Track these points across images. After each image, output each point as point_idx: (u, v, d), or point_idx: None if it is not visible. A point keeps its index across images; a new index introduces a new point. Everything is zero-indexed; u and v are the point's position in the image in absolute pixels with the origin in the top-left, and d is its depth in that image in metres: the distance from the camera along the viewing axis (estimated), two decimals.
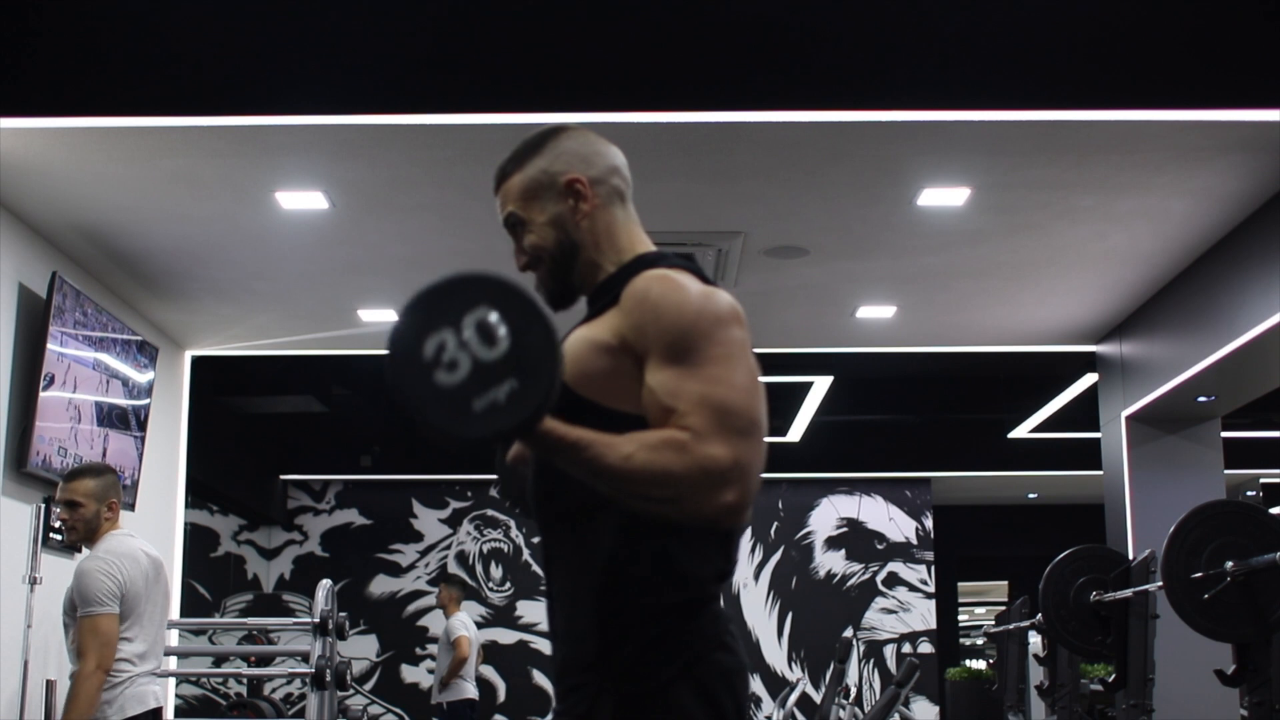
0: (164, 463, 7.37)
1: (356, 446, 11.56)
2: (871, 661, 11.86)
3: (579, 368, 1.72)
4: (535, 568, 11.46)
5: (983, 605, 17.07)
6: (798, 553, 12.01)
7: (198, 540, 10.70)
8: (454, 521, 11.97)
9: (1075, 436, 10.55)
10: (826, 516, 12.08)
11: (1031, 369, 8.56)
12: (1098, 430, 7.84)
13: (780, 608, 11.89)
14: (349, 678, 6.35)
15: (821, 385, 9.76)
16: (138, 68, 4.64)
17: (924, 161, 5.13)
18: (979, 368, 8.55)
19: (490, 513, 11.99)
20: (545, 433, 1.58)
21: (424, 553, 11.92)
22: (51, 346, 5.61)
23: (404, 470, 11.74)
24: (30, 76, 4.62)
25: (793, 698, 8.57)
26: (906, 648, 11.81)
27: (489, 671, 11.33)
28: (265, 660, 10.01)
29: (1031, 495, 13.41)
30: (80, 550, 4.31)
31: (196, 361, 7.87)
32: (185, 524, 8.08)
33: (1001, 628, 9.13)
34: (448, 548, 11.93)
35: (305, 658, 6.40)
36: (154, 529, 7.24)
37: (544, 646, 11.64)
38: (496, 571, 11.86)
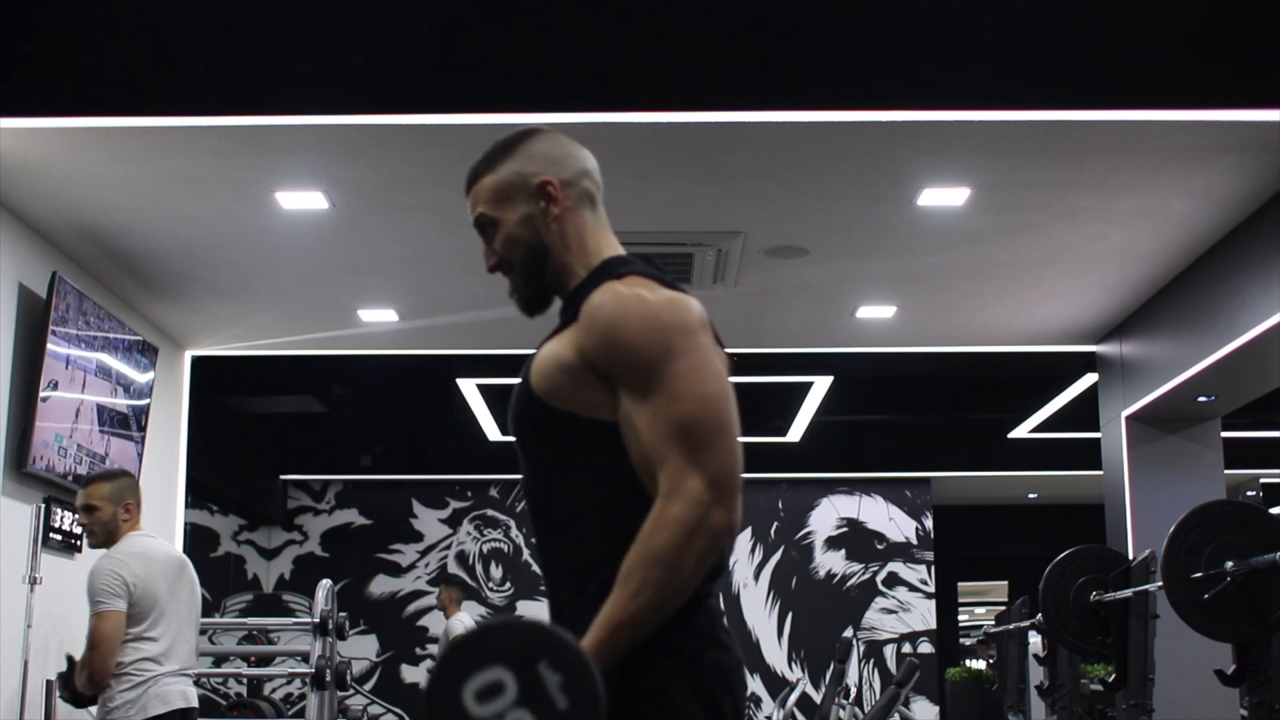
0: (164, 463, 7.37)
1: (356, 446, 11.56)
2: (871, 661, 11.86)
3: (548, 384, 1.76)
4: (535, 568, 11.46)
5: (983, 605, 17.08)
6: (798, 553, 12.00)
7: (198, 540, 10.70)
8: (454, 521, 11.97)
9: (1075, 436, 10.55)
10: (826, 516, 12.08)
11: (1031, 369, 8.56)
12: (1098, 430, 7.84)
13: (780, 608, 11.89)
14: (349, 678, 6.36)
15: (821, 385, 9.76)
16: (138, 68, 4.64)
17: (924, 161, 5.13)
18: (979, 368, 8.54)
19: (490, 513, 11.99)
20: (600, 659, 1.60)
21: (424, 553, 11.92)
22: (51, 347, 5.61)
23: (404, 470, 11.74)
24: (30, 76, 4.62)
25: (793, 698, 8.57)
26: (906, 648, 11.81)
27: None
28: (265, 660, 10.01)
29: (1031, 495, 13.41)
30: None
31: (196, 361, 7.87)
32: (185, 524, 8.08)
33: (1001, 628, 9.13)
34: (448, 548, 11.93)
35: (305, 658, 6.40)
36: (154, 529, 7.21)
37: None
38: (496, 571, 11.87)
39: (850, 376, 9.47)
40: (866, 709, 10.87)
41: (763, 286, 6.64)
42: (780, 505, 12.02)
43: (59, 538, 5.86)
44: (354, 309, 7.12)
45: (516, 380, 1.85)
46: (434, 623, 11.38)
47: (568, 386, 1.75)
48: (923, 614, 11.96)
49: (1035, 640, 8.20)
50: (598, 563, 1.72)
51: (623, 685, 1.67)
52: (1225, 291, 5.97)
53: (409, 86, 4.70)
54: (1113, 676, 5.67)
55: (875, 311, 7.16)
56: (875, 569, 12.00)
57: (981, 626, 15.46)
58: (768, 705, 11.22)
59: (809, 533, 12.06)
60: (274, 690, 10.81)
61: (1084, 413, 9.01)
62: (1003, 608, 12.41)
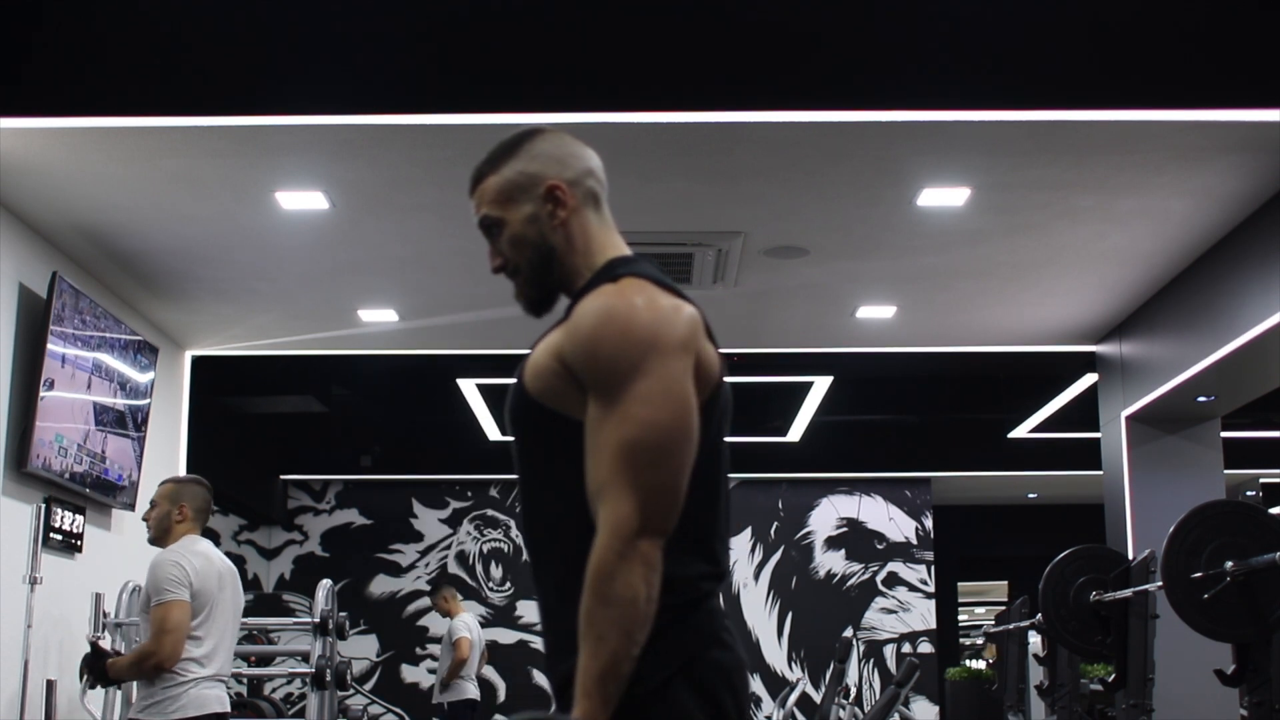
0: (164, 463, 7.36)
1: (356, 446, 11.56)
2: (871, 661, 11.86)
3: (540, 384, 1.76)
4: None
5: (983, 605, 17.08)
6: (798, 553, 12.00)
7: None
8: (454, 521, 11.97)
9: (1075, 436, 10.54)
10: (826, 516, 12.08)
11: (1031, 369, 8.56)
12: (1098, 430, 7.84)
13: (780, 608, 11.89)
14: (349, 678, 6.35)
15: (821, 385, 9.75)
16: (138, 68, 4.64)
17: (924, 161, 5.13)
18: (979, 368, 8.54)
19: (490, 513, 11.99)
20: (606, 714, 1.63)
21: (424, 553, 11.92)
22: (52, 346, 5.61)
23: (404, 470, 11.74)
24: (30, 76, 4.62)
25: (793, 698, 8.57)
26: (906, 648, 11.81)
27: (489, 671, 11.33)
28: (265, 660, 10.00)
29: (1031, 495, 13.41)
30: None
31: (196, 361, 7.87)
32: None
33: (1001, 628, 9.13)
34: (448, 548, 11.93)
35: (305, 658, 6.39)
36: None
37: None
38: (496, 571, 11.87)
39: (850, 376, 9.47)
40: (866, 709, 10.87)
41: (763, 286, 6.64)
42: (780, 505, 12.02)
43: (59, 538, 5.86)
44: (354, 309, 7.12)
45: (512, 379, 1.84)
46: (434, 622, 11.38)
47: (555, 388, 1.74)
48: (923, 614, 11.96)
49: (1035, 640, 8.20)
50: (585, 563, 1.71)
51: (626, 685, 1.67)
52: (1225, 291, 5.97)
53: (409, 86, 4.70)
54: (1113, 676, 5.67)
55: (875, 311, 7.16)
56: (875, 569, 12.00)
57: (981, 626, 15.47)
58: (768, 705, 11.22)
59: (809, 533, 12.06)
60: (274, 690, 10.80)
61: (1084, 413, 9.01)
62: (1003, 608, 12.41)
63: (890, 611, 11.94)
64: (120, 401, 6.44)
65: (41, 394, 5.54)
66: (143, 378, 6.72)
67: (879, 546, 12.05)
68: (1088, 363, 7.96)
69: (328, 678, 6.11)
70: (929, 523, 12.08)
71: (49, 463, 5.64)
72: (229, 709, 4.14)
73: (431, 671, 9.98)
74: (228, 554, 11.99)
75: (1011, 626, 8.60)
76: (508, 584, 11.84)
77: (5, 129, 4.68)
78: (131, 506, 6.66)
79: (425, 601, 11.66)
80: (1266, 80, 4.60)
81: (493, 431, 10.75)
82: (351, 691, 11.25)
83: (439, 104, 4.66)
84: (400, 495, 11.93)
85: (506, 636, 11.69)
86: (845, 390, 9.88)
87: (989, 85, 4.65)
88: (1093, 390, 8.14)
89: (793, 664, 11.78)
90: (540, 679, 11.60)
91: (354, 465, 11.66)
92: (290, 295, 6.83)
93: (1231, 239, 5.88)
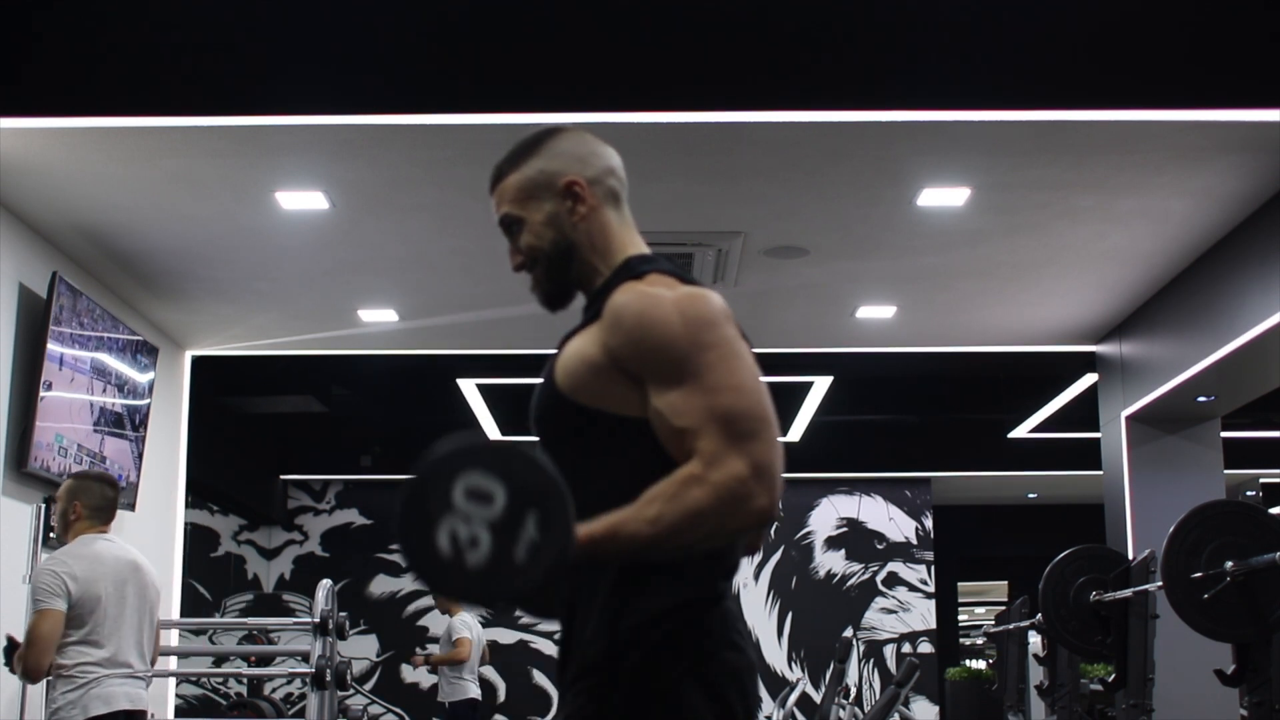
0: (164, 463, 7.37)
1: (356, 446, 11.56)
2: (871, 661, 11.86)
3: (573, 381, 1.75)
4: None
5: (983, 605, 17.08)
6: (798, 553, 12.01)
7: (198, 540, 10.70)
8: None
9: (1075, 436, 10.55)
10: (826, 516, 12.08)
11: (1031, 369, 8.56)
12: (1098, 430, 7.84)
13: (780, 608, 11.89)
14: (349, 678, 6.35)
15: (821, 385, 9.75)
16: (138, 68, 4.64)
17: (924, 161, 5.13)
18: (979, 368, 8.54)
19: None
20: (582, 544, 1.60)
21: None
22: (51, 346, 5.61)
23: (404, 470, 11.61)
24: (30, 76, 4.62)
25: (793, 698, 8.57)
26: (906, 648, 11.81)
27: (489, 671, 11.33)
28: (265, 660, 10.02)
29: (1031, 495, 13.41)
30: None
31: (196, 361, 7.87)
32: (185, 524, 8.08)
33: (1001, 628, 9.13)
34: None
35: (305, 658, 6.39)
36: (154, 529, 7.24)
37: (544, 646, 11.64)
38: None
39: (850, 376, 9.47)
40: (866, 709, 10.87)
41: (763, 286, 6.64)
42: (780, 505, 12.00)
43: (56, 537, 5.85)
44: (354, 309, 7.12)
45: (539, 380, 1.84)
46: (434, 623, 11.38)
47: (595, 384, 1.73)
48: (923, 614, 11.96)
49: (1035, 640, 8.20)
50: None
51: (633, 685, 1.67)
52: (1225, 291, 5.97)
53: (409, 86, 4.70)
54: (1113, 676, 5.67)
55: (875, 311, 7.16)
56: (875, 569, 12.00)
57: (981, 626, 15.47)
58: (768, 705, 11.21)
59: (809, 533, 12.06)
60: (274, 690, 10.81)
61: (1084, 413, 9.01)
62: (1003, 608, 12.41)
63: (890, 611, 11.94)
64: (120, 401, 6.44)
65: (41, 394, 5.54)
66: (143, 378, 6.72)
67: (879, 546, 12.05)
68: (1088, 363, 7.96)
69: (328, 678, 6.11)
70: (929, 523, 12.09)
71: (49, 463, 5.64)
72: (143, 706, 4.08)
73: (431, 672, 9.97)
74: (227, 554, 11.97)
75: (1011, 626, 8.60)
76: None
77: (5, 129, 4.68)
78: (132, 507, 6.67)
79: (425, 601, 11.66)
80: (1266, 80, 4.60)
81: (493, 431, 10.75)
82: (351, 691, 11.25)
83: (439, 104, 4.66)
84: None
85: (506, 636, 11.69)
86: (845, 390, 9.88)
87: (989, 85, 4.65)
88: (1093, 390, 8.14)
89: (793, 664, 11.78)
90: (540, 679, 11.60)
91: (354, 465, 11.66)
92: (290, 295, 6.83)
93: (1231, 239, 5.88)
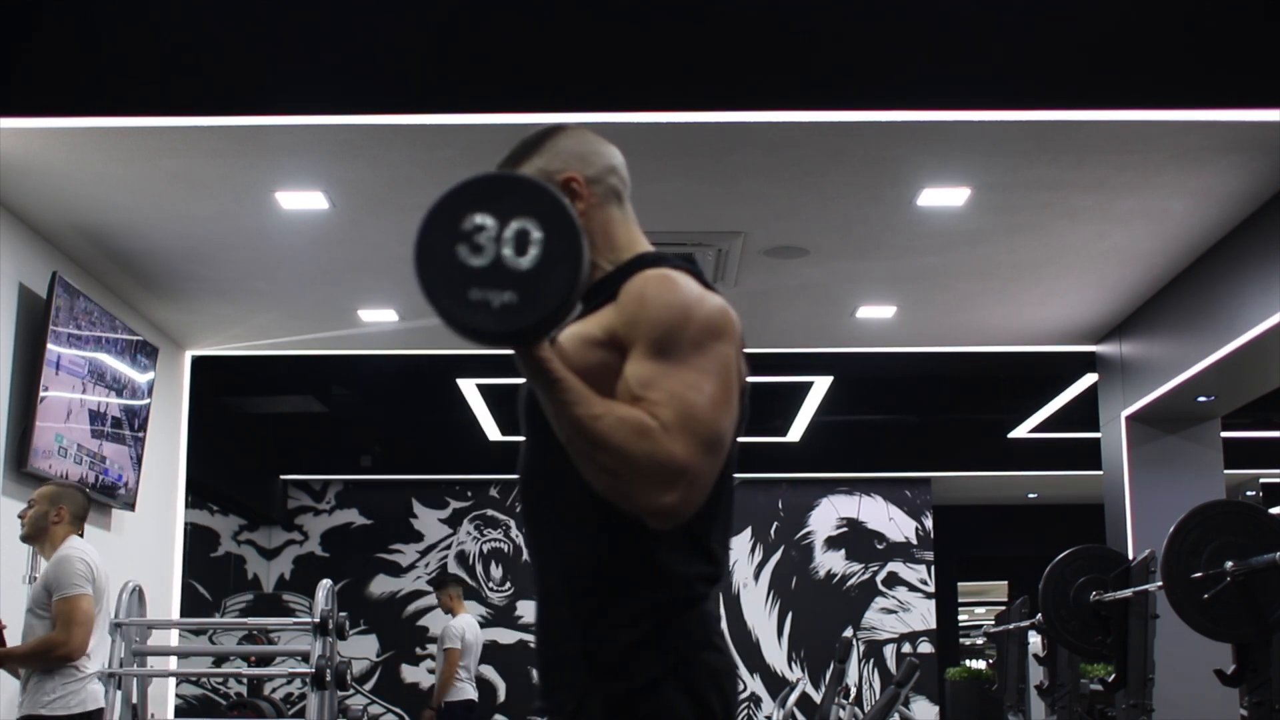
0: (164, 463, 7.37)
1: (356, 446, 11.56)
2: (871, 661, 11.86)
3: (570, 363, 1.72)
4: None
5: (983, 605, 17.07)
6: (798, 553, 12.00)
7: (198, 540, 10.70)
8: (454, 521, 11.97)
9: (1075, 436, 10.54)
10: (826, 516, 12.08)
11: (1031, 369, 8.56)
12: (1098, 430, 7.84)
13: (780, 608, 11.89)
14: (349, 678, 6.35)
15: (821, 385, 9.75)
16: (138, 68, 4.64)
17: (924, 161, 5.13)
18: (979, 368, 8.54)
19: (490, 513, 11.99)
20: (533, 356, 1.59)
21: (424, 553, 11.92)
22: (51, 346, 5.61)
23: (404, 470, 11.74)
24: (30, 76, 4.62)
25: (793, 698, 8.57)
26: (906, 648, 11.81)
27: (489, 671, 11.33)
28: (265, 660, 10.01)
29: (1031, 495, 13.41)
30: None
31: (196, 361, 7.87)
32: (185, 524, 8.08)
33: (1001, 628, 9.13)
34: (448, 548, 11.92)
35: (305, 658, 6.39)
36: (154, 529, 7.24)
37: None
38: (496, 571, 11.86)
39: (850, 376, 9.47)
40: (866, 709, 10.87)
41: (763, 286, 6.64)
42: (780, 505, 12.01)
43: None
44: (354, 309, 7.12)
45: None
46: (434, 622, 11.37)
47: (588, 362, 1.70)
48: (923, 614, 11.95)
49: (1035, 640, 8.20)
50: (594, 551, 1.70)
51: (614, 686, 1.66)
52: (1225, 291, 5.97)
53: (409, 86, 4.70)
54: (1113, 676, 5.67)
55: (875, 311, 7.16)
56: (875, 569, 12.00)
57: (981, 626, 15.47)
58: (768, 705, 11.22)
59: (809, 533, 12.06)
60: (274, 690, 10.81)
61: (1084, 413, 9.01)
62: (1003, 608, 12.41)
63: (890, 611, 11.94)
64: (120, 402, 6.44)
65: (41, 394, 5.55)
66: (143, 378, 6.71)
67: (879, 546, 12.05)
68: (1088, 363, 7.96)
69: (328, 678, 6.11)
70: (929, 523, 12.08)
71: (49, 463, 5.64)
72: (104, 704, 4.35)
73: (431, 672, 9.98)
74: (227, 554, 11.99)
75: (1011, 626, 8.60)
76: (508, 584, 11.83)
77: (5, 129, 4.68)
78: (132, 507, 6.67)
79: (425, 601, 11.66)
80: (1266, 80, 4.60)
81: (493, 431, 10.75)
82: (351, 691, 11.25)
83: (439, 104, 4.66)
84: (400, 495, 11.93)
85: (506, 636, 11.69)
86: (845, 390, 9.88)
87: (989, 85, 4.65)
88: (1093, 390, 8.14)
89: (793, 664, 11.78)
90: None
91: (354, 465, 11.66)
92: (290, 295, 6.83)
93: (1231, 239, 5.88)
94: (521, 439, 1.85)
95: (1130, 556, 6.45)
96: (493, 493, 11.95)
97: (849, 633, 11.59)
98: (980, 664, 13.29)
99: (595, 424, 1.61)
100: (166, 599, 7.46)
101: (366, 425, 11.36)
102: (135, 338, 6.61)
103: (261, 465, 11.39)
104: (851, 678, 11.25)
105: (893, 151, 5.02)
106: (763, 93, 4.67)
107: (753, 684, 11.56)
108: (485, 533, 11.95)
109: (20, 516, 4.33)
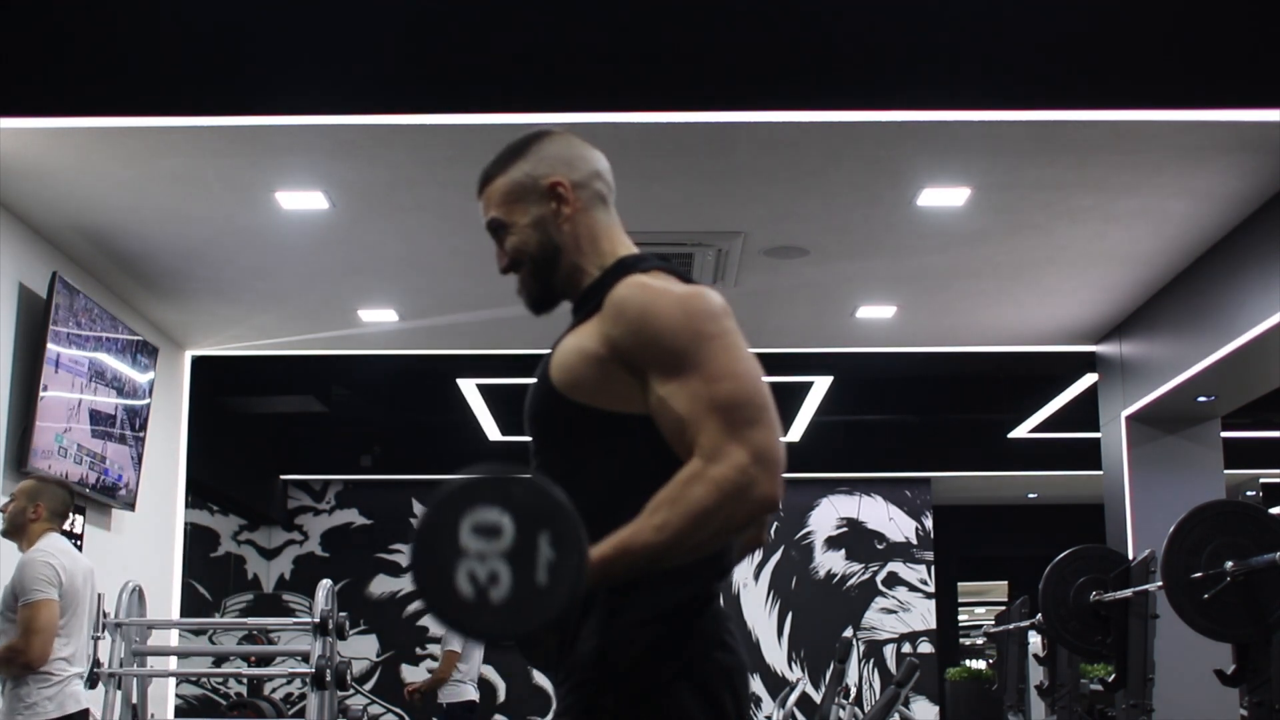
0: (164, 463, 7.37)
1: (356, 446, 11.56)
2: (871, 661, 11.86)
3: (570, 377, 1.74)
4: None
5: (983, 605, 17.07)
6: (798, 553, 12.00)
7: (198, 540, 10.70)
8: None
9: (1075, 436, 10.54)
10: (826, 516, 12.08)
11: (1031, 369, 8.56)
12: (1098, 430, 7.84)
13: (780, 608, 11.89)
14: (349, 678, 6.34)
15: (821, 385, 9.75)
16: (138, 68, 4.64)
17: (924, 161, 5.13)
18: (979, 368, 8.54)
19: None
20: (595, 567, 1.59)
21: None
22: (51, 346, 5.61)
23: (404, 470, 11.73)
24: (30, 76, 4.62)
25: (793, 698, 8.57)
26: (906, 648, 11.81)
27: (489, 671, 11.33)
28: (265, 660, 10.02)
29: (1031, 495, 13.41)
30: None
31: (196, 361, 7.87)
32: (185, 524, 8.08)
33: (1001, 628, 9.13)
34: None
35: (305, 658, 6.39)
36: (154, 529, 7.24)
37: None
38: None
39: (850, 376, 9.47)
40: (866, 709, 10.87)
41: (763, 286, 6.64)
42: (780, 505, 12.00)
43: None
44: (354, 309, 7.12)
45: (532, 380, 1.82)
46: (434, 622, 11.37)
47: (592, 379, 1.73)
48: (923, 614, 11.95)
49: (1035, 640, 8.20)
50: None
51: (626, 685, 1.67)
52: (1225, 291, 5.97)
53: (409, 86, 4.70)
54: (1113, 676, 5.67)
55: (875, 311, 7.16)
56: (875, 569, 12.00)
57: (981, 626, 15.47)
58: (768, 705, 11.22)
59: (809, 533, 12.06)
60: (274, 690, 10.81)
61: (1084, 413, 9.01)
62: (1003, 608, 12.41)
63: (890, 611, 11.94)
64: (120, 402, 6.44)
65: (41, 394, 5.54)
66: (143, 378, 6.71)
67: (879, 546, 12.05)
68: (1088, 363, 7.96)
69: (328, 678, 6.10)
70: (929, 523, 12.09)
71: (49, 463, 5.64)
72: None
73: (431, 671, 9.97)
74: (227, 554, 11.98)
75: (1011, 626, 8.60)
76: None
77: (5, 129, 4.68)
78: (131, 507, 6.67)
79: None
80: (1266, 80, 4.60)
81: (493, 431, 10.75)
82: (351, 691, 11.25)
83: (439, 104, 4.66)
84: (400, 495, 11.93)
85: None
86: (845, 390, 9.88)
87: (989, 85, 4.65)
88: (1093, 390, 8.14)
89: (793, 664, 11.78)
90: (540, 679, 11.60)
91: (354, 465, 11.66)
92: (290, 295, 6.83)
93: (1231, 239, 5.88)
94: (525, 439, 1.85)
95: (1130, 556, 6.45)
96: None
97: (849, 633, 11.59)
98: (980, 664, 13.29)
99: (666, 532, 1.61)
100: (166, 599, 7.46)
101: (366, 425, 11.36)
102: (135, 337, 6.61)
103: (261, 465, 11.39)
104: (851, 678, 11.25)
105: (893, 151, 5.02)
106: (763, 93, 4.67)
107: (753, 684, 11.52)
108: None
109: (1, 510, 4.24)
